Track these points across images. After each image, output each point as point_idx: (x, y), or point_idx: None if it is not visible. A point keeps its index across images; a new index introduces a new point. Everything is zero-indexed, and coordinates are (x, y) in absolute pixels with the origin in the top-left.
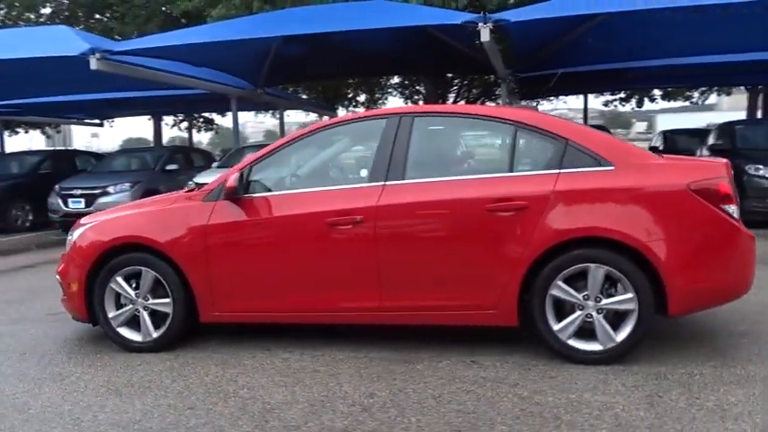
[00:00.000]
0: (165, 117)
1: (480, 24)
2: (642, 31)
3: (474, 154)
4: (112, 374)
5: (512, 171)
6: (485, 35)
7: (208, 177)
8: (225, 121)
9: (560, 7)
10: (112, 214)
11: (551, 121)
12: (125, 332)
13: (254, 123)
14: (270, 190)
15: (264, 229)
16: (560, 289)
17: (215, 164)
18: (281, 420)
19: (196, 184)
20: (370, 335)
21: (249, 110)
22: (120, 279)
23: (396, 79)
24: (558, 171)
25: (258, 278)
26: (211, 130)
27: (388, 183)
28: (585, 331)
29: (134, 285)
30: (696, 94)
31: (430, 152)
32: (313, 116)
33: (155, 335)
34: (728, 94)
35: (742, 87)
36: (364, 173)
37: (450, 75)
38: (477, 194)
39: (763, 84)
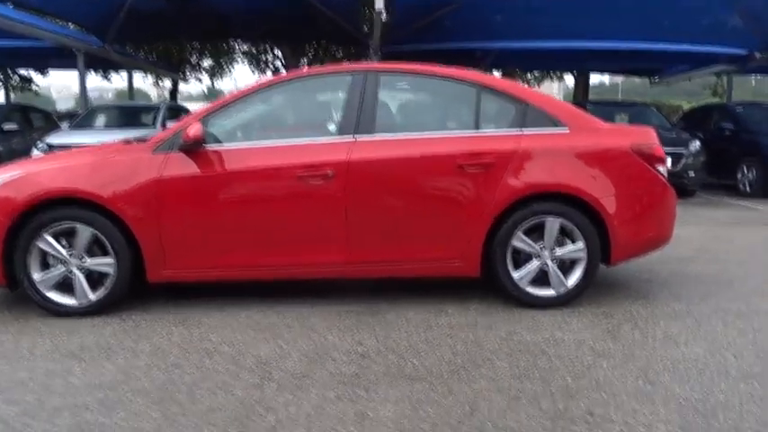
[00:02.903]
0: None
1: None
2: (493, 15)
3: (440, 111)
4: (56, 340)
5: (478, 129)
6: (378, 4)
7: (62, 138)
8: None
9: None
10: (35, 166)
11: (510, 84)
12: (55, 296)
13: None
14: (228, 142)
15: (226, 182)
16: (521, 240)
17: (65, 124)
18: (284, 371)
19: (48, 145)
20: (325, 290)
21: (90, 68)
22: (49, 237)
23: (244, 47)
24: (520, 131)
25: (218, 234)
26: (29, 89)
27: (358, 137)
28: (538, 278)
29: (64, 244)
30: (530, 78)
31: (397, 108)
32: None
33: (93, 297)
34: (561, 79)
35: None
36: (332, 127)
37: (306, 44)
38: (449, 150)
39: (588, 70)
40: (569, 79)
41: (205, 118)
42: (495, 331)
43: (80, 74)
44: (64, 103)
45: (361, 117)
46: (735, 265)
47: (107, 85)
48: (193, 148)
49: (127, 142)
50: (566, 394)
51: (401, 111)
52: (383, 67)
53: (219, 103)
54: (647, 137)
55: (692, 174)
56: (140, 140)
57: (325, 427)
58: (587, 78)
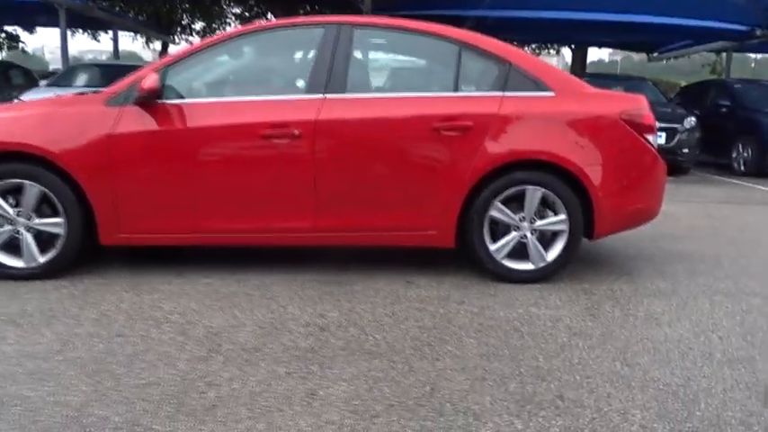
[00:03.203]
0: None
1: None
2: None
3: (417, 70)
4: None
5: (457, 91)
6: None
7: (39, 96)
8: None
9: None
10: None
11: (494, 42)
12: (0, 257)
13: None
14: (188, 96)
15: (185, 139)
16: (499, 210)
17: (43, 82)
18: (235, 343)
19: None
20: (292, 258)
21: (77, 27)
22: None
23: (236, 9)
24: (502, 94)
25: (177, 195)
26: (15, 48)
27: (328, 95)
28: (516, 252)
29: (11, 202)
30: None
31: (371, 66)
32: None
33: (41, 260)
34: (558, 52)
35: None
36: (301, 83)
37: (299, 8)
38: (425, 112)
39: (585, 44)
40: (567, 54)
41: (163, 70)
42: (467, 306)
43: (61, 30)
44: (57, 64)
45: (332, 74)
46: (725, 243)
47: (102, 48)
48: (150, 102)
49: (81, 94)
50: (536, 376)
51: (376, 69)
52: (358, 20)
53: (180, 55)
54: (638, 104)
55: (686, 150)
56: (96, 93)
57: (270, 405)
58: (585, 53)
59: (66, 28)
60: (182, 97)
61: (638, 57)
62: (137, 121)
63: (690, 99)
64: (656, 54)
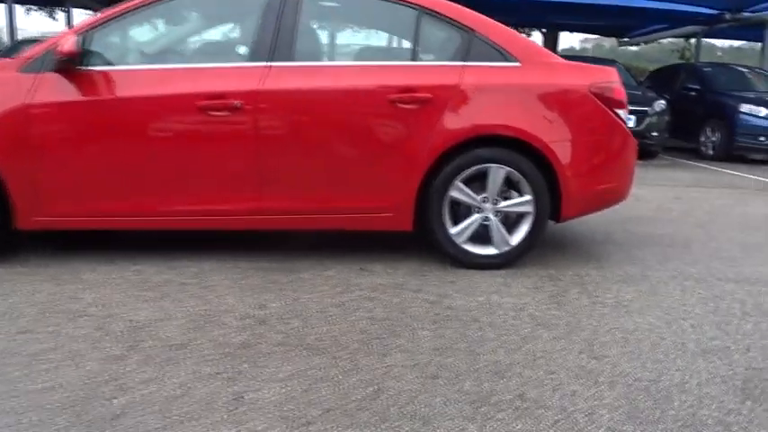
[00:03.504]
0: None
1: None
2: None
3: (371, 37)
4: None
5: (415, 60)
6: None
7: None
8: None
9: None
10: None
11: (455, 8)
12: None
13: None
14: (117, 63)
15: (111, 111)
16: (460, 190)
17: None
18: (159, 339)
19: None
20: (235, 245)
21: (28, 2)
22: None
23: None
24: (463, 63)
25: (104, 174)
26: None
27: (274, 63)
28: (479, 235)
29: None
30: None
31: (322, 32)
32: None
33: None
34: (529, 35)
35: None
36: (243, 50)
37: None
38: (380, 82)
39: (554, 27)
40: (538, 40)
41: (86, 32)
42: (424, 295)
43: (6, 5)
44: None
45: (278, 40)
46: (695, 227)
47: (62, 27)
48: (70, 68)
49: None
50: (494, 372)
51: (326, 35)
52: None
53: (106, 16)
54: (608, 76)
55: (655, 134)
56: (9, 58)
57: (187, 412)
58: (556, 37)
59: (15, 2)
60: (109, 64)
61: (608, 45)
62: (55, 90)
63: (660, 83)
64: (626, 38)
